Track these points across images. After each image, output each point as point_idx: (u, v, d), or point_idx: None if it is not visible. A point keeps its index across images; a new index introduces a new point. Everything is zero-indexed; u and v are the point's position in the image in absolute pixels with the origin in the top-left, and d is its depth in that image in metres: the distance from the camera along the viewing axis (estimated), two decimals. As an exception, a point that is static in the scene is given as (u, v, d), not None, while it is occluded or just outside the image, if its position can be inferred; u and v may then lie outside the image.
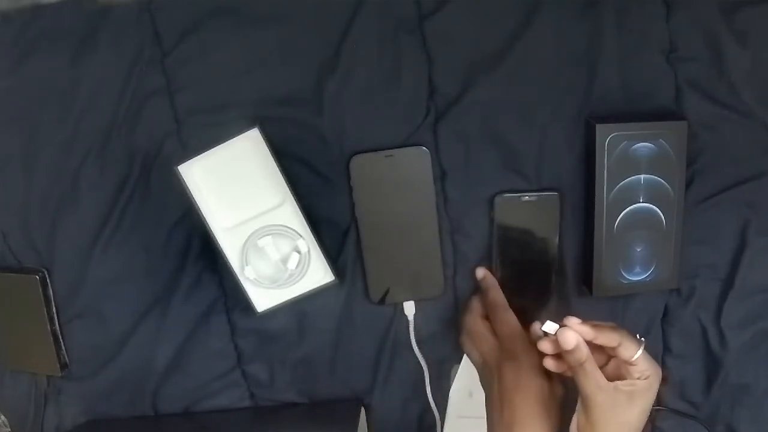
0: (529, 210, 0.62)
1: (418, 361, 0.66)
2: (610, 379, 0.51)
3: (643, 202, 0.61)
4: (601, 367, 0.52)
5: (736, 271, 0.63)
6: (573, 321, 0.50)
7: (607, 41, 0.60)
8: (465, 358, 0.64)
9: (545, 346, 0.52)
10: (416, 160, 0.62)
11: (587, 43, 0.61)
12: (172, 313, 0.67)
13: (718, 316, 0.64)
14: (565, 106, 0.62)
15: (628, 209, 0.61)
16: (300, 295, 0.62)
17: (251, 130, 0.58)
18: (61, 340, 0.69)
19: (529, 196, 0.62)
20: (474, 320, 0.60)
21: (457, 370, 0.65)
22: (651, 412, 0.52)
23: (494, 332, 0.58)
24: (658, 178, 0.60)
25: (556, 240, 0.63)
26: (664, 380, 0.53)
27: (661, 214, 0.61)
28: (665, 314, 0.65)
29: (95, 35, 0.63)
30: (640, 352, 0.50)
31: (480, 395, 0.56)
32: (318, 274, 0.62)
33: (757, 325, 0.64)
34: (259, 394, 0.70)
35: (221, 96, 0.63)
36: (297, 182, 0.61)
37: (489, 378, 0.55)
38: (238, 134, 0.58)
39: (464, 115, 0.62)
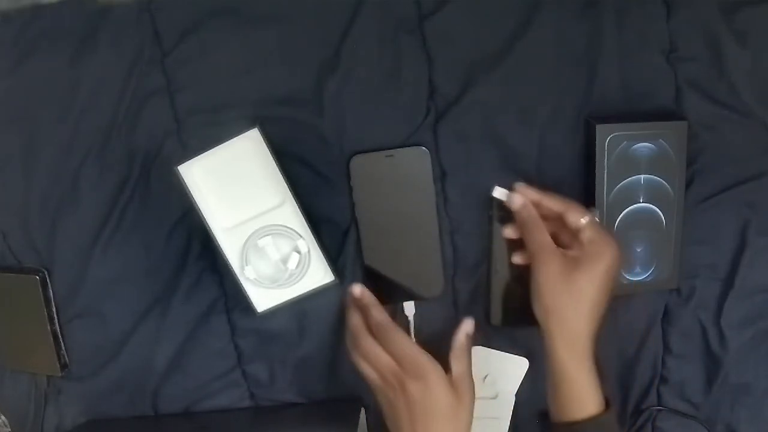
0: None
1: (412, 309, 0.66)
2: (561, 246, 0.55)
3: (643, 202, 0.61)
4: (555, 235, 0.55)
5: (736, 271, 0.63)
6: (521, 186, 0.57)
7: (607, 41, 0.60)
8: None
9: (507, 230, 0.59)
10: (416, 160, 0.62)
11: (587, 43, 0.61)
12: (173, 313, 0.67)
13: (718, 316, 0.64)
14: (565, 106, 0.62)
15: (628, 209, 0.61)
16: (300, 295, 0.62)
17: (251, 130, 0.58)
18: (61, 340, 0.69)
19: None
20: (364, 339, 0.55)
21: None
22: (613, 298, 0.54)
23: (387, 350, 0.54)
24: (658, 178, 0.60)
25: None
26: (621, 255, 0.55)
27: (661, 214, 0.61)
28: (665, 314, 0.65)
29: (95, 35, 0.63)
30: (586, 218, 0.53)
31: (481, 395, 0.56)
32: (318, 274, 0.62)
33: (757, 325, 0.64)
34: (259, 394, 0.70)
35: (221, 96, 0.63)
36: (297, 182, 0.61)
37: (391, 397, 0.54)
38: (238, 134, 0.58)
39: (464, 115, 0.62)
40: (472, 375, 0.55)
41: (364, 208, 0.63)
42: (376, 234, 0.63)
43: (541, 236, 0.55)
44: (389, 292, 0.64)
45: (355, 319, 0.57)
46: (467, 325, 0.58)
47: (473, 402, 0.54)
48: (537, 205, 0.57)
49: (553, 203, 0.56)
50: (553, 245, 0.54)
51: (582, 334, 0.53)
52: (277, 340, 0.67)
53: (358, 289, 0.59)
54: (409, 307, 0.65)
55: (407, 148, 0.62)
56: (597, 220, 0.54)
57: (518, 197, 0.57)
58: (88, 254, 0.67)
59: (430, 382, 0.52)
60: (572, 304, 0.52)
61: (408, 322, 0.65)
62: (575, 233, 0.54)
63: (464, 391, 0.54)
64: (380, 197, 0.62)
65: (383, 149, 0.62)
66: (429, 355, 0.54)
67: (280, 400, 0.70)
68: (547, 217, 0.57)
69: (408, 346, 0.54)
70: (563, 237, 0.57)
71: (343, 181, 0.63)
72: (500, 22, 0.61)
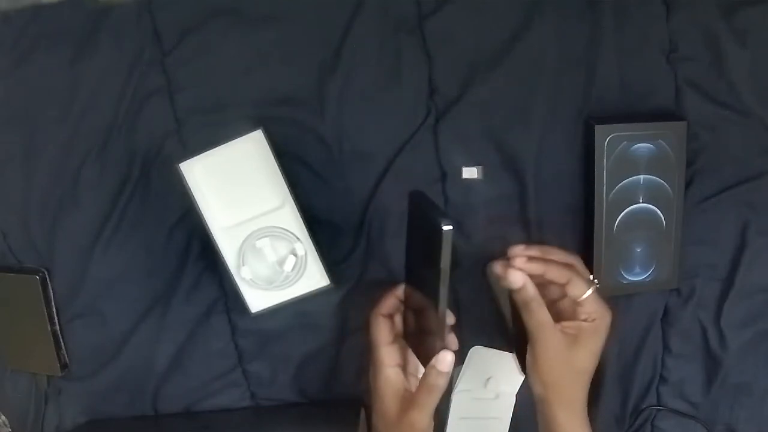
0: None
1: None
2: (560, 316, 0.52)
3: (642, 203, 0.61)
4: (555, 302, 0.53)
5: (736, 271, 0.63)
6: (520, 261, 0.52)
7: (607, 41, 0.60)
8: (467, 359, 0.65)
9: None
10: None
11: (587, 43, 0.61)
12: (173, 313, 0.67)
13: (718, 316, 0.64)
14: (564, 106, 0.62)
15: (627, 209, 0.61)
16: (295, 297, 0.63)
17: (255, 132, 0.58)
18: (61, 340, 0.69)
19: None
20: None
21: (459, 371, 0.65)
22: (602, 358, 0.53)
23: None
24: (658, 179, 0.60)
25: None
26: (614, 324, 0.54)
27: (661, 215, 0.61)
28: (665, 314, 0.65)
29: (95, 35, 0.63)
30: (588, 292, 0.51)
31: (482, 395, 0.56)
32: (314, 277, 0.62)
33: (757, 325, 0.65)
34: (259, 393, 0.70)
35: (221, 96, 0.63)
36: (295, 182, 0.61)
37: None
38: (241, 135, 0.58)
39: (464, 115, 0.62)
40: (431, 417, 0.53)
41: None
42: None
43: (540, 316, 0.52)
44: None
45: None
46: (441, 361, 0.51)
47: None
48: (540, 275, 0.53)
49: (557, 275, 0.52)
50: (552, 323, 0.52)
51: (581, 400, 0.53)
52: (278, 339, 0.67)
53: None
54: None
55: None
56: (597, 288, 0.52)
57: (519, 276, 0.52)
58: (88, 254, 0.67)
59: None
60: (572, 378, 0.52)
61: None
62: (575, 301, 0.53)
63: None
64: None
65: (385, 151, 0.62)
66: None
67: (280, 400, 0.70)
68: (546, 284, 0.53)
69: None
70: (562, 304, 0.55)
71: (343, 181, 0.63)
72: (500, 22, 0.61)
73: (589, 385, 0.54)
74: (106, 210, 0.66)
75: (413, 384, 0.54)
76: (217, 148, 0.59)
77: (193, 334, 0.68)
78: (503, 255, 0.63)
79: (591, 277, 0.52)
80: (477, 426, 0.55)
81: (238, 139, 0.59)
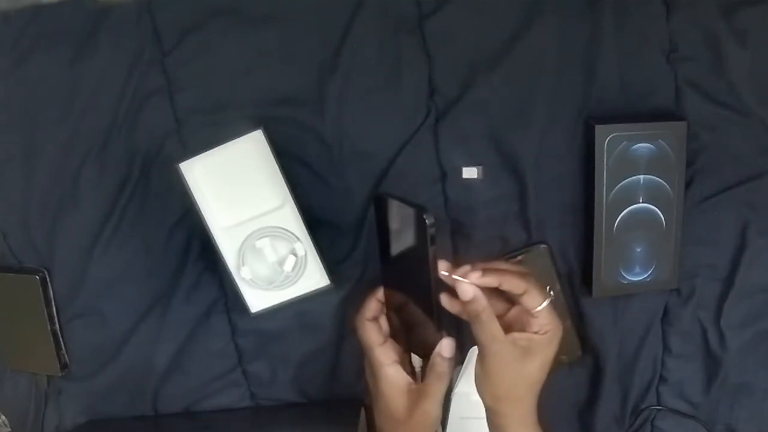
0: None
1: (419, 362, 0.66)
2: (510, 327, 0.51)
3: (642, 203, 0.61)
4: (503, 315, 0.52)
5: (736, 271, 0.63)
6: (474, 275, 0.49)
7: (607, 41, 0.60)
8: (467, 360, 0.65)
9: (444, 300, 0.51)
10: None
11: (587, 43, 0.61)
12: (173, 313, 0.67)
13: (718, 316, 0.64)
14: (564, 106, 0.62)
15: (627, 209, 0.61)
16: (295, 297, 0.63)
17: (255, 132, 0.58)
18: (61, 340, 0.69)
19: (517, 255, 0.63)
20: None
21: (459, 371, 0.65)
22: (553, 368, 0.52)
23: None
24: (658, 179, 0.60)
25: (558, 287, 0.64)
26: (564, 337, 0.52)
27: (661, 215, 0.61)
28: (665, 314, 0.65)
29: (95, 35, 0.63)
30: (544, 304, 0.50)
31: (478, 396, 0.56)
32: (314, 277, 0.62)
33: (757, 325, 0.65)
34: (259, 393, 0.70)
35: (221, 96, 0.63)
36: (296, 182, 0.61)
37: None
38: (241, 135, 0.58)
39: (464, 115, 0.62)
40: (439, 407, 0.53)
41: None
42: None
43: (492, 328, 0.49)
44: None
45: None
46: (446, 347, 0.52)
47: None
48: (495, 287, 0.51)
49: (513, 285, 0.50)
50: (503, 335, 0.50)
51: (532, 410, 0.52)
52: (278, 339, 0.67)
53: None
54: None
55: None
56: (552, 299, 0.51)
57: (469, 288, 0.49)
58: (88, 254, 0.67)
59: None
60: (524, 390, 0.51)
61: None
62: (528, 313, 0.51)
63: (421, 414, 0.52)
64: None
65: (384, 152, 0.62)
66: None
67: (280, 399, 0.70)
68: (492, 297, 0.51)
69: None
70: (510, 316, 0.53)
71: (343, 181, 0.63)
72: (500, 22, 0.61)
73: (538, 395, 0.52)
74: (106, 210, 0.66)
75: (416, 374, 0.55)
76: (217, 148, 0.59)
77: (193, 334, 0.68)
78: (503, 255, 0.64)
79: (548, 288, 0.51)
80: (478, 426, 0.55)
81: (238, 139, 0.59)
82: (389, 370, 0.53)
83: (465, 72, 0.61)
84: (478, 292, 0.49)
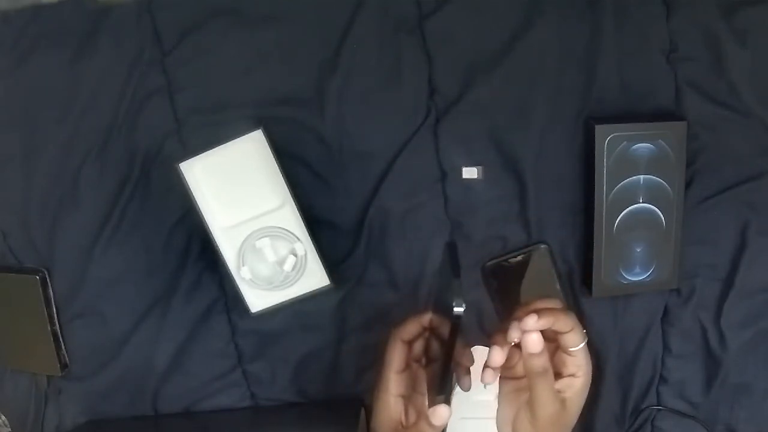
0: (522, 268, 0.63)
1: None
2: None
3: (642, 203, 0.61)
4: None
5: (736, 271, 0.63)
6: (532, 320, 0.45)
7: (607, 41, 0.60)
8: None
9: (498, 358, 0.48)
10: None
11: (587, 43, 0.61)
12: (173, 313, 0.67)
13: (718, 316, 0.64)
14: (564, 106, 0.62)
15: (627, 209, 0.61)
16: (295, 297, 0.63)
17: (255, 132, 0.58)
18: (61, 340, 0.69)
19: (517, 255, 0.63)
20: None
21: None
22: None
23: None
24: (658, 179, 0.60)
25: (557, 287, 0.64)
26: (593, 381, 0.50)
27: (661, 215, 0.61)
28: (665, 314, 0.65)
29: (95, 35, 0.63)
30: (583, 343, 0.47)
31: (481, 397, 0.56)
32: (314, 277, 0.62)
33: (757, 325, 0.65)
34: (259, 393, 0.70)
35: (221, 96, 0.63)
36: (296, 182, 0.61)
37: None
38: (241, 135, 0.58)
39: (464, 115, 0.62)
40: None
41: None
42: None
43: (550, 382, 0.46)
44: None
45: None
46: (438, 415, 0.47)
47: None
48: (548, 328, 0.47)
49: (563, 324, 0.46)
50: (556, 391, 0.47)
51: None
52: (278, 340, 0.67)
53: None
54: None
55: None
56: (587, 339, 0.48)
57: (538, 341, 0.45)
58: (88, 254, 0.67)
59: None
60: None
61: None
62: (563, 353, 0.48)
63: None
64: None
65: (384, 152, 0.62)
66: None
67: (280, 399, 0.70)
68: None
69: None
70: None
71: (343, 181, 0.63)
72: (500, 22, 0.61)
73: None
74: (106, 210, 0.66)
75: (411, 415, 0.52)
76: (217, 148, 0.59)
77: (193, 334, 0.68)
78: (502, 254, 0.64)
79: (583, 329, 0.50)
80: (479, 426, 0.55)
81: (238, 139, 0.59)
82: (391, 399, 0.52)
83: (465, 72, 0.61)
84: (544, 347, 0.45)
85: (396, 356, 0.52)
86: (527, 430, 0.49)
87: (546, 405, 0.47)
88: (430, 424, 0.48)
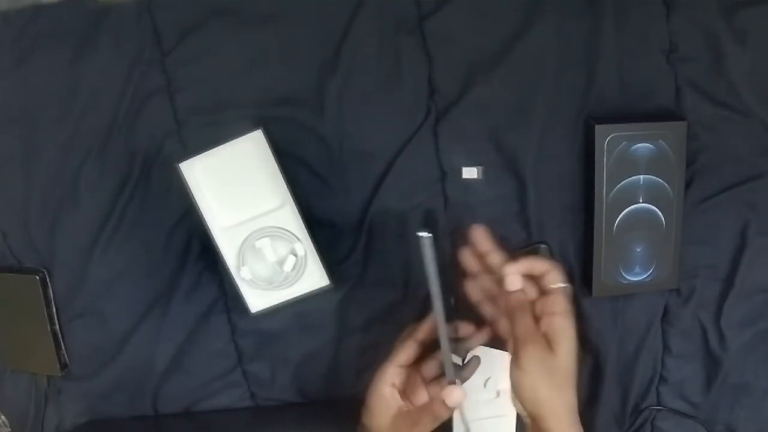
0: None
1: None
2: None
3: (642, 203, 0.61)
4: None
5: (736, 271, 0.63)
6: (510, 266, 0.50)
7: (607, 41, 0.60)
8: (466, 361, 0.65)
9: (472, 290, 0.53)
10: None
11: (587, 43, 0.61)
12: (173, 313, 0.67)
13: (718, 316, 0.64)
14: (564, 106, 0.62)
15: (627, 209, 0.61)
16: (295, 297, 0.63)
17: (255, 132, 0.58)
18: (61, 340, 0.69)
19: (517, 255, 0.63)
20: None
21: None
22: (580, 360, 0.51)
23: None
24: (658, 179, 0.60)
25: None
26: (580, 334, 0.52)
27: (661, 215, 0.61)
28: (665, 314, 0.65)
29: (95, 35, 0.63)
30: (563, 284, 0.50)
31: (482, 396, 0.56)
32: (314, 277, 0.62)
33: (757, 325, 0.65)
34: (259, 393, 0.70)
35: (221, 96, 0.63)
36: (296, 182, 0.61)
37: None
38: (241, 135, 0.58)
39: (464, 115, 0.62)
40: None
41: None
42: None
43: (529, 320, 0.50)
44: None
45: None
46: (454, 397, 0.51)
47: None
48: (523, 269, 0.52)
49: (539, 265, 0.51)
50: (535, 329, 0.50)
51: (574, 405, 0.51)
52: (278, 340, 0.67)
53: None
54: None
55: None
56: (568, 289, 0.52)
57: (517, 280, 0.50)
58: (88, 254, 0.67)
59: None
60: (562, 381, 0.49)
61: None
62: (545, 293, 0.52)
63: None
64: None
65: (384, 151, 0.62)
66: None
67: (280, 400, 0.70)
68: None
69: None
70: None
71: (343, 181, 0.63)
72: (500, 22, 0.61)
73: (575, 389, 0.51)
74: (106, 210, 0.66)
75: (417, 398, 0.54)
76: (217, 148, 0.59)
77: (193, 334, 0.68)
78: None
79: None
80: (484, 426, 0.55)
81: (238, 139, 0.59)
82: (385, 390, 0.53)
83: (465, 72, 0.61)
84: (522, 283, 0.50)
85: (404, 352, 0.54)
86: (521, 386, 0.49)
87: (528, 342, 0.49)
88: (446, 406, 0.50)
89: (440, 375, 0.54)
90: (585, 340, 0.65)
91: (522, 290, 0.51)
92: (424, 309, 0.61)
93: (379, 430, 0.54)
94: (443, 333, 0.49)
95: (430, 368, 0.55)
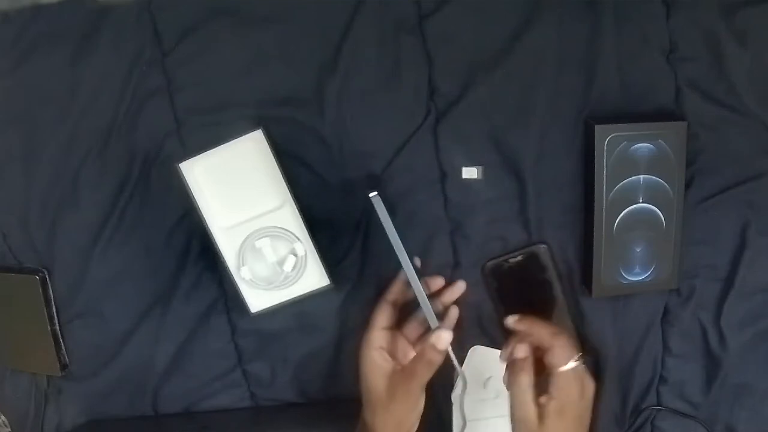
0: (521, 268, 0.63)
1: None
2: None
3: (642, 203, 0.61)
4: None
5: (736, 271, 0.63)
6: (511, 321, 0.54)
7: (607, 41, 0.60)
8: (467, 359, 0.65)
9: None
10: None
11: (587, 43, 0.61)
12: (173, 313, 0.67)
13: (718, 316, 0.64)
14: (564, 106, 0.62)
15: (627, 209, 0.61)
16: (295, 297, 0.63)
17: (255, 132, 0.58)
18: (61, 340, 0.69)
19: (517, 255, 0.63)
20: None
21: (458, 373, 0.65)
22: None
23: None
24: (658, 179, 0.60)
25: (557, 287, 0.64)
26: (597, 393, 0.54)
27: (661, 215, 0.61)
28: (665, 314, 0.65)
29: (95, 35, 0.63)
30: (568, 366, 0.51)
31: (483, 396, 0.56)
32: (314, 277, 0.62)
33: (757, 325, 0.64)
34: (259, 393, 0.70)
35: (221, 96, 0.63)
36: (296, 182, 0.61)
37: None
38: (242, 135, 0.58)
39: (464, 115, 0.62)
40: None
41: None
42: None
43: (525, 390, 0.52)
44: None
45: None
46: (441, 340, 0.54)
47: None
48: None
49: (541, 336, 0.54)
50: (533, 404, 0.52)
51: None
52: (278, 339, 0.67)
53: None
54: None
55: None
56: (580, 363, 0.53)
57: (523, 348, 0.54)
58: (88, 254, 0.67)
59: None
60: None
61: None
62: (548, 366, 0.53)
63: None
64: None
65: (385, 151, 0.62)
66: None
67: (280, 400, 0.70)
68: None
69: None
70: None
71: (343, 181, 0.63)
72: (500, 22, 0.61)
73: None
74: (106, 210, 0.66)
75: (406, 353, 0.57)
76: (217, 148, 0.59)
77: (193, 334, 0.68)
78: (502, 254, 0.64)
79: (578, 354, 0.52)
80: (484, 426, 0.55)
81: (238, 139, 0.59)
82: (374, 354, 0.55)
83: (465, 72, 0.61)
84: (529, 352, 0.53)
85: (381, 315, 0.57)
86: None
87: (519, 407, 0.52)
88: (437, 350, 0.53)
89: (424, 333, 0.57)
90: (585, 340, 0.65)
91: (527, 360, 0.53)
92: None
93: (378, 396, 0.55)
94: (415, 282, 0.52)
95: (412, 330, 0.58)
